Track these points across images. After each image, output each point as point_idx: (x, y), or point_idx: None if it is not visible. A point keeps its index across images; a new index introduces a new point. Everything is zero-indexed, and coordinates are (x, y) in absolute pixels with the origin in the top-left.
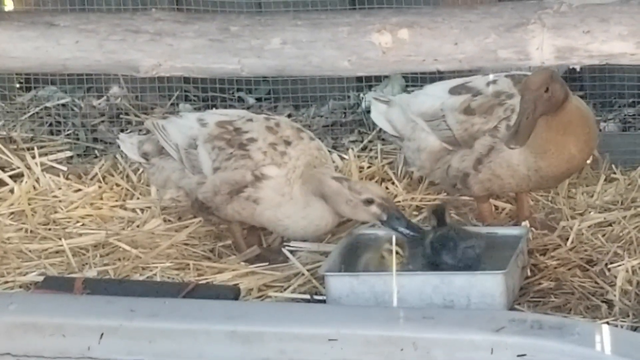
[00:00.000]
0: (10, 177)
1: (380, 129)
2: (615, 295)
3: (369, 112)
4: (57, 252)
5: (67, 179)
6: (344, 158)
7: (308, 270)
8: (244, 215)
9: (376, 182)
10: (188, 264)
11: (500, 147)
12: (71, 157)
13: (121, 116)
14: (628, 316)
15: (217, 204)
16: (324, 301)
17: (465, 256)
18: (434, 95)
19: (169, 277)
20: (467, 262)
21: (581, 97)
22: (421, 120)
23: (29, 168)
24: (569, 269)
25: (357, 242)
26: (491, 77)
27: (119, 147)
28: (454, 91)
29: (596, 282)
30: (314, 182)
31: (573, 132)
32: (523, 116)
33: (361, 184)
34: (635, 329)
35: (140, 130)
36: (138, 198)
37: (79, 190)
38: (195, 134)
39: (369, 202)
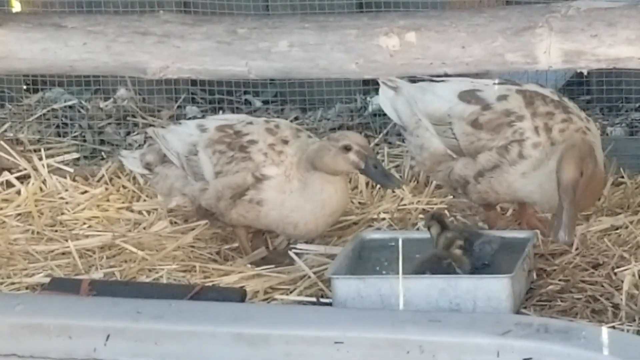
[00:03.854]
0: (17, 178)
1: (387, 132)
2: (621, 300)
3: (375, 115)
4: (63, 253)
5: (73, 180)
6: None
7: (314, 273)
8: (250, 219)
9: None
10: (194, 266)
11: (505, 169)
12: (78, 158)
13: (128, 118)
14: (634, 320)
15: (221, 209)
16: (330, 304)
17: (483, 253)
18: (442, 97)
19: (175, 279)
20: (485, 259)
21: (588, 101)
22: (427, 121)
23: (35, 170)
24: (576, 273)
25: (364, 245)
26: (501, 89)
27: (121, 162)
28: (463, 97)
29: (602, 286)
30: (303, 157)
31: (590, 197)
32: (567, 210)
33: (340, 133)
34: None
35: (146, 133)
36: (145, 200)
37: (86, 192)
38: (195, 140)
39: (347, 149)
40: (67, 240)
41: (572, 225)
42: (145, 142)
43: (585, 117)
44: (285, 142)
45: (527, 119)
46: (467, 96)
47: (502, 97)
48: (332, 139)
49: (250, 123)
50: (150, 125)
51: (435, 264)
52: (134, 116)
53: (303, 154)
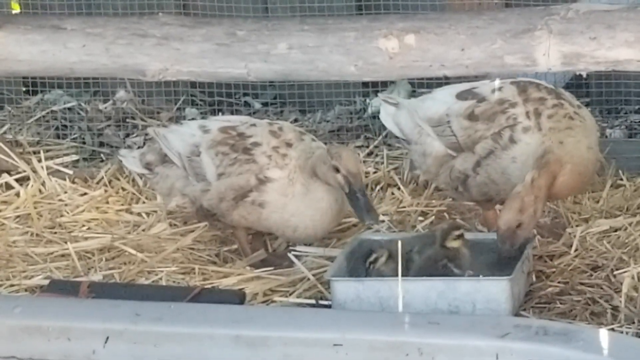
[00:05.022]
0: (17, 180)
1: (386, 135)
2: (620, 302)
3: (374, 117)
4: (62, 255)
5: (73, 182)
6: None
7: (313, 275)
8: (251, 221)
9: (382, 187)
10: (193, 268)
11: (498, 154)
12: (77, 160)
13: (127, 120)
14: (633, 323)
15: (223, 210)
16: (329, 306)
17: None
18: (441, 101)
19: (174, 281)
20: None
21: (587, 104)
22: (427, 125)
23: (35, 171)
24: (575, 275)
25: (362, 247)
26: (497, 83)
27: (120, 165)
28: (461, 96)
29: (602, 289)
30: (308, 163)
31: (572, 190)
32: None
33: (338, 150)
34: None
35: (146, 135)
36: (144, 202)
37: (85, 194)
38: (197, 141)
39: (337, 170)
40: (66, 243)
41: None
42: (144, 144)
43: (577, 104)
44: (289, 145)
45: (519, 105)
46: (465, 94)
47: (497, 89)
48: (330, 153)
49: (254, 125)
50: (151, 126)
51: (431, 267)
52: (133, 118)
53: (307, 159)
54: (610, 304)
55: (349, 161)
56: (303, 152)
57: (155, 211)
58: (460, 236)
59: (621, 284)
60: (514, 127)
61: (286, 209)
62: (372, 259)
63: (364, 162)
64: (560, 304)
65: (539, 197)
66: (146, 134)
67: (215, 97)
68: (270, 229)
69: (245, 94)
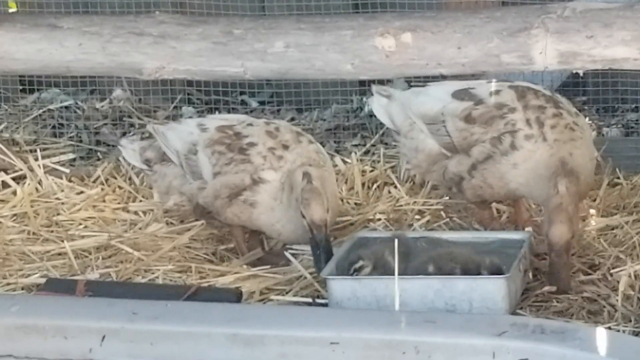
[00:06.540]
0: (13, 179)
1: (383, 133)
2: (617, 300)
3: (371, 115)
4: (59, 254)
5: (69, 181)
6: (347, 162)
7: (310, 274)
8: (243, 219)
9: (378, 186)
10: (190, 267)
11: (497, 159)
12: (74, 159)
13: (124, 119)
14: (630, 321)
15: (218, 208)
16: (325, 304)
17: None
18: (436, 97)
19: (171, 280)
20: None
21: (584, 102)
22: (421, 122)
23: (31, 170)
24: (572, 274)
25: (359, 245)
26: (494, 86)
27: (120, 153)
28: (456, 95)
29: (598, 287)
30: (290, 176)
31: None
32: (562, 270)
33: (309, 197)
34: (637, 334)
35: (143, 133)
36: (141, 201)
37: (82, 192)
38: (195, 139)
39: (303, 216)
40: (63, 241)
41: (568, 280)
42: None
43: (575, 112)
44: (286, 147)
45: (518, 111)
46: (461, 94)
47: (495, 92)
48: (302, 195)
49: (250, 124)
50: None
51: (444, 261)
52: (130, 117)
53: (300, 165)
54: (607, 303)
55: (315, 213)
56: (299, 155)
57: (152, 210)
58: None
59: (618, 282)
60: (514, 133)
61: (273, 213)
62: (357, 266)
63: (361, 160)
64: (557, 302)
65: (576, 205)
66: (143, 132)
67: (212, 95)
68: (261, 229)
69: (242, 93)
